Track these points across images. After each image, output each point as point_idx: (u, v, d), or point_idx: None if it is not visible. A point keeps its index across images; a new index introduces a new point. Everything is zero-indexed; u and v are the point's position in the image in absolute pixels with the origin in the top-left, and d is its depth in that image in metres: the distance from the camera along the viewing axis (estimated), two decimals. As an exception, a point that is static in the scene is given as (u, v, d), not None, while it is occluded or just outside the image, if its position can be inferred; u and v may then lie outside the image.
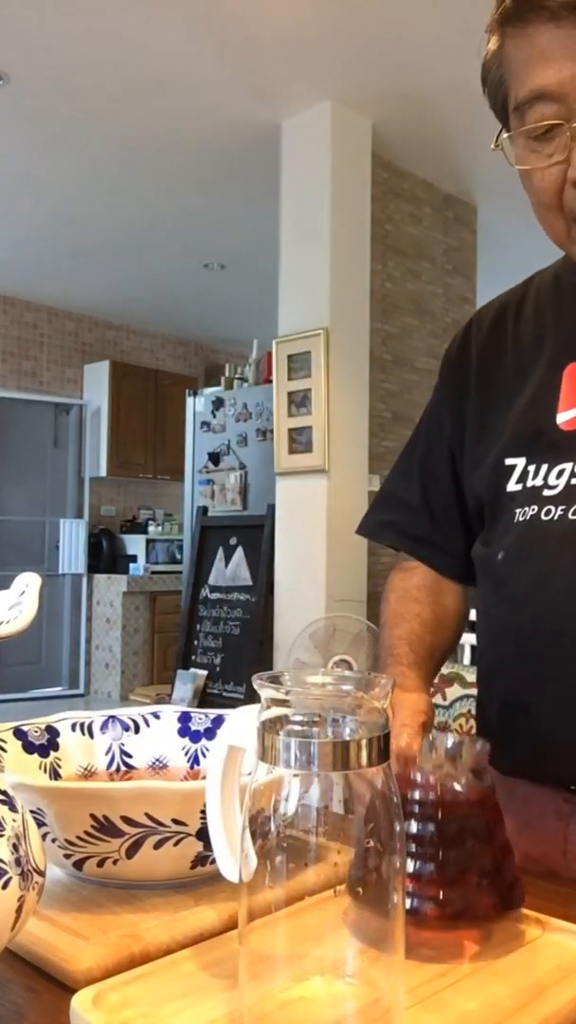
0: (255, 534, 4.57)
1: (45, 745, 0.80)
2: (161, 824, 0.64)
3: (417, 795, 0.65)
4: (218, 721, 0.86)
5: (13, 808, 0.53)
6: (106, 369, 7.09)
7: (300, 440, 3.94)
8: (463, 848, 0.63)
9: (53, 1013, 0.54)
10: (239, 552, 4.70)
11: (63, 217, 5.15)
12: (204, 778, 0.81)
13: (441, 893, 0.62)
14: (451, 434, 1.01)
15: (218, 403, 5.17)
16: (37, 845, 0.54)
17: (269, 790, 0.50)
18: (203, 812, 0.65)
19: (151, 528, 7.36)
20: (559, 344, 0.92)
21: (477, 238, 4.88)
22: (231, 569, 4.72)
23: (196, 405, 5.31)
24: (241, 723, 0.55)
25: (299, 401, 3.96)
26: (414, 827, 0.64)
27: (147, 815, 0.64)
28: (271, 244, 4.17)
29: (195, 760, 0.85)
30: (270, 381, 4.24)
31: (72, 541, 6.97)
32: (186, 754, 0.86)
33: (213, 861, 0.67)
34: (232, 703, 4.36)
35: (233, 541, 4.77)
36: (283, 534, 3.97)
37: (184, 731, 0.87)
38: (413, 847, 0.63)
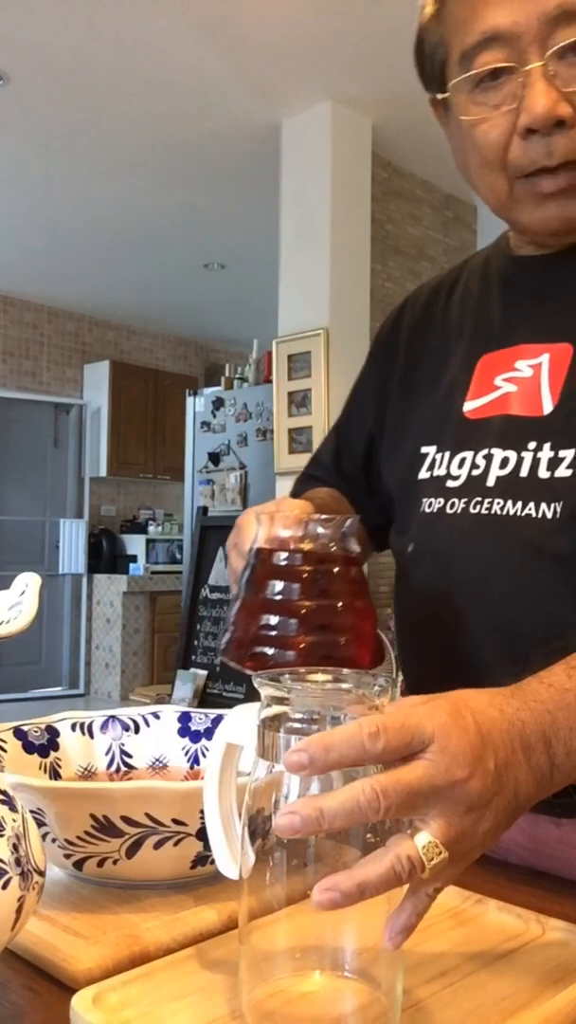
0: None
1: (45, 745, 0.80)
2: (161, 824, 0.64)
3: (283, 556, 0.68)
4: (218, 721, 0.86)
5: (13, 808, 0.53)
6: (106, 369, 7.09)
7: (300, 440, 3.95)
8: (326, 603, 0.67)
9: (53, 1013, 0.54)
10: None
11: (63, 217, 5.15)
12: (204, 778, 0.81)
13: (303, 642, 0.65)
14: (374, 414, 1.01)
15: (218, 403, 5.17)
16: (37, 845, 0.54)
17: (269, 788, 0.50)
18: (203, 812, 0.65)
19: (151, 528, 7.36)
20: (478, 333, 0.91)
21: (477, 238, 4.88)
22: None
23: (196, 405, 5.31)
24: (239, 721, 0.55)
25: (299, 401, 3.96)
26: (279, 586, 0.67)
27: (147, 815, 0.64)
28: (271, 244, 4.17)
29: (195, 760, 0.85)
30: (270, 381, 4.24)
31: (72, 541, 6.97)
32: (186, 754, 0.86)
33: (213, 861, 0.67)
34: (232, 703, 4.35)
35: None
36: (283, 534, 3.96)
37: (184, 731, 0.87)
38: (277, 603, 0.67)
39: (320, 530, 0.69)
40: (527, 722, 0.54)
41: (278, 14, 3.22)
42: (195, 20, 3.24)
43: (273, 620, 0.66)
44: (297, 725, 0.48)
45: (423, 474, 0.89)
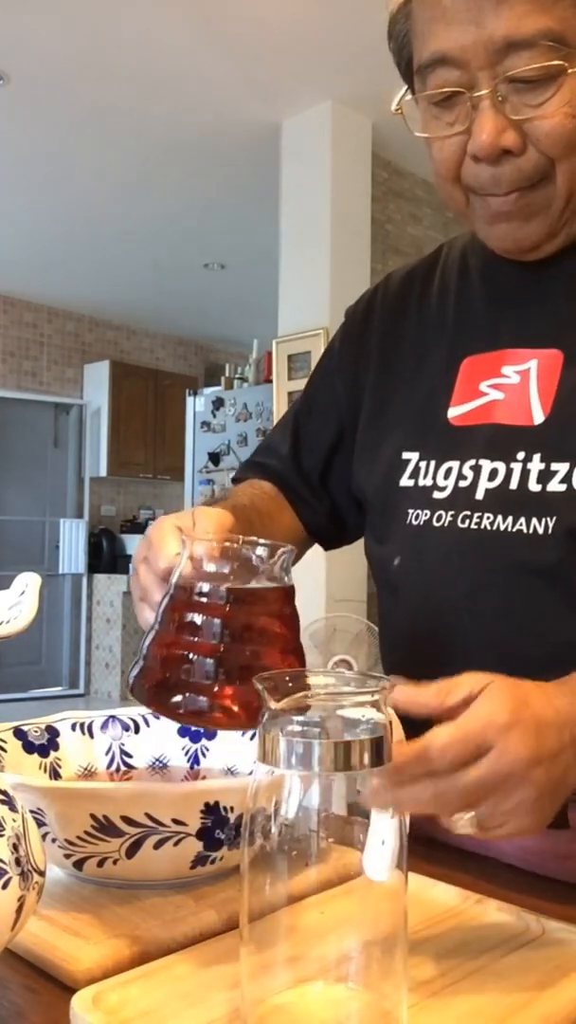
0: (255, 534, 4.55)
1: (45, 745, 0.80)
2: (161, 824, 0.64)
3: (208, 590, 0.61)
4: (218, 721, 0.86)
5: (13, 808, 0.53)
6: (106, 369, 7.09)
7: (300, 440, 3.94)
8: (250, 648, 0.61)
9: (53, 1013, 0.54)
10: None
11: (63, 217, 5.15)
12: (204, 778, 0.82)
13: (220, 690, 0.59)
14: (345, 407, 0.98)
15: (218, 403, 5.17)
16: (37, 845, 0.54)
17: (270, 791, 0.50)
18: (203, 812, 0.65)
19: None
20: (459, 333, 0.88)
21: (477, 238, 4.87)
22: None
23: (196, 405, 5.31)
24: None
25: (299, 401, 3.96)
26: (199, 624, 0.61)
27: (147, 815, 0.64)
28: (271, 244, 4.17)
29: (195, 760, 0.85)
30: (270, 381, 4.24)
31: (72, 541, 6.97)
32: (186, 754, 0.86)
33: (213, 861, 0.67)
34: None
35: (233, 541, 4.76)
36: (283, 534, 3.96)
37: (184, 731, 0.87)
38: (196, 644, 0.60)
39: (254, 561, 0.63)
40: None
41: (278, 14, 3.22)
42: (195, 20, 3.24)
43: (189, 662, 0.60)
44: (297, 728, 0.48)
45: (405, 481, 0.86)
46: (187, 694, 0.59)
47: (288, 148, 4.02)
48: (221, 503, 0.88)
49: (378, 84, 3.70)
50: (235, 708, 0.59)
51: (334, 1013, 0.51)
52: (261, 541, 0.64)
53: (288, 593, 0.64)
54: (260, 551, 0.64)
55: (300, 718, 0.48)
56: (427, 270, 0.96)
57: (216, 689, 0.59)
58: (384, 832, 0.52)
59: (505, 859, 0.81)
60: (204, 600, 0.61)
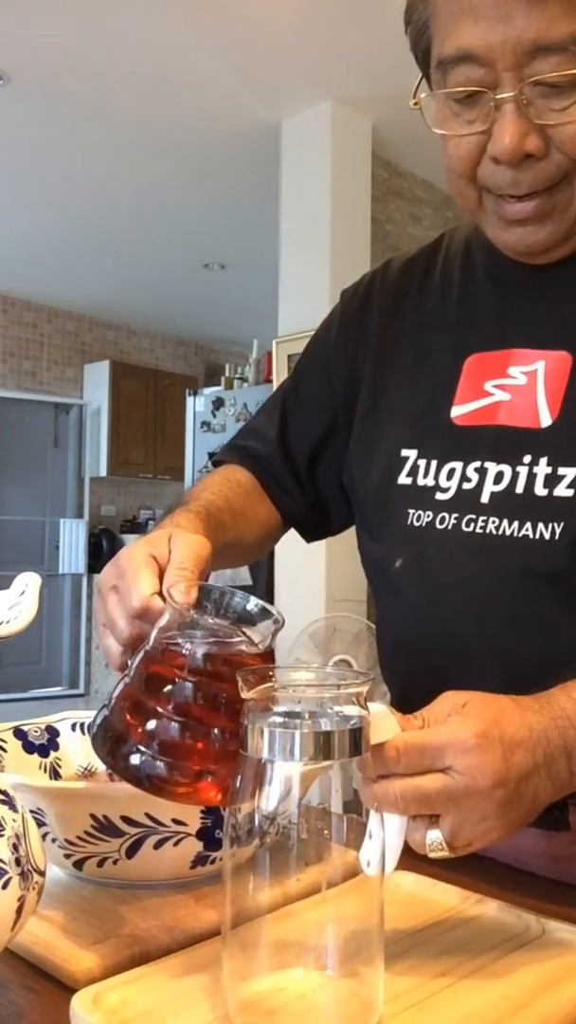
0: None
1: (45, 745, 0.80)
2: (161, 824, 0.64)
3: (186, 651, 0.59)
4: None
5: (13, 808, 0.53)
6: (106, 369, 7.08)
7: (300, 440, 3.94)
8: (216, 712, 0.58)
9: (53, 1013, 0.54)
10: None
11: (63, 217, 5.15)
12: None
13: (180, 760, 0.57)
14: (340, 395, 0.95)
15: (218, 403, 5.17)
16: (37, 845, 0.54)
17: (253, 783, 0.50)
18: (203, 812, 0.65)
19: (151, 528, 7.36)
20: (463, 330, 0.86)
21: (477, 238, 4.87)
22: (231, 569, 4.72)
23: (196, 405, 5.31)
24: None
25: (299, 401, 3.96)
26: (177, 696, 0.58)
27: (147, 815, 0.64)
28: (271, 244, 4.16)
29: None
30: (270, 381, 4.25)
31: (72, 541, 6.97)
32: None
33: (213, 861, 0.67)
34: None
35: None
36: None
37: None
38: (159, 706, 0.58)
39: (241, 645, 0.60)
40: (552, 739, 0.59)
41: (279, 14, 3.22)
42: (195, 20, 3.24)
43: (157, 726, 0.58)
44: (280, 720, 0.50)
45: (403, 479, 0.85)
46: (147, 759, 0.57)
47: (288, 148, 4.02)
48: (195, 506, 0.87)
49: (378, 84, 3.70)
50: (199, 783, 0.57)
51: (314, 1003, 0.51)
52: (251, 605, 0.64)
53: (262, 658, 0.61)
54: (239, 600, 0.64)
55: (282, 709, 0.50)
56: (427, 260, 0.94)
57: (181, 762, 0.57)
58: (372, 825, 0.53)
59: (505, 860, 0.81)
60: (186, 675, 0.58)
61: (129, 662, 0.64)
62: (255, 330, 5.64)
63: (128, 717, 0.60)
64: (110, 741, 0.60)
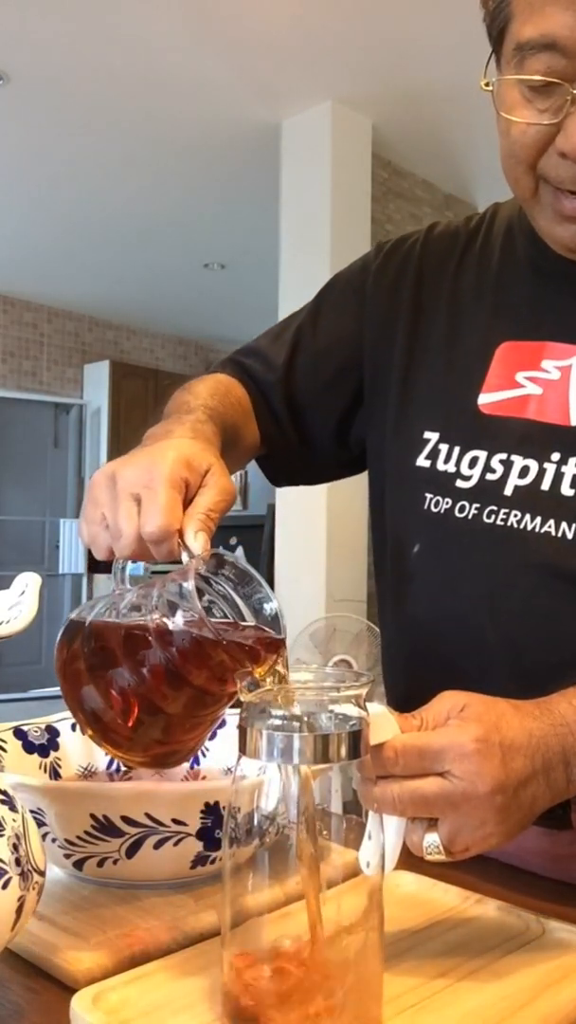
0: (255, 534, 4.56)
1: (45, 745, 0.80)
2: (161, 824, 0.64)
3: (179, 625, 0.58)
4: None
5: (13, 808, 0.53)
6: (106, 369, 7.08)
7: (300, 440, 3.94)
8: (176, 690, 0.58)
9: (53, 1013, 0.54)
10: (239, 552, 4.70)
11: (63, 217, 5.14)
12: (204, 778, 0.82)
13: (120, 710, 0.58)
14: (369, 356, 0.92)
15: (218, 403, 5.17)
16: (37, 845, 0.54)
17: (252, 784, 0.50)
18: (203, 812, 0.65)
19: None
20: (498, 314, 0.85)
21: (477, 238, 4.87)
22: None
23: (196, 405, 5.31)
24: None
25: (299, 401, 3.96)
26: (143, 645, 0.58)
27: (147, 815, 0.64)
28: (271, 244, 4.16)
29: (195, 760, 0.85)
30: (270, 381, 4.24)
31: (72, 541, 6.97)
32: (186, 754, 0.86)
33: (213, 861, 0.67)
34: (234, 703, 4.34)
35: (233, 541, 4.77)
36: (283, 534, 3.97)
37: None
38: (127, 658, 0.58)
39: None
40: (551, 745, 0.59)
41: (279, 14, 3.22)
42: (195, 20, 3.24)
43: (115, 677, 0.58)
44: (278, 722, 0.49)
45: (422, 461, 0.83)
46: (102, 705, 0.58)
47: (288, 148, 4.01)
48: (215, 422, 0.82)
49: (378, 84, 3.70)
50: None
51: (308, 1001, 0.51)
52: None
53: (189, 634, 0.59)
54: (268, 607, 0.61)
55: (280, 712, 0.50)
56: (469, 235, 0.91)
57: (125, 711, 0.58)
58: (371, 826, 0.53)
59: (505, 859, 0.81)
60: (163, 635, 0.58)
61: (119, 577, 0.64)
62: (255, 330, 5.59)
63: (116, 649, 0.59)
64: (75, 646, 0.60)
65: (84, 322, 7.22)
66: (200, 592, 0.60)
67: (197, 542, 0.62)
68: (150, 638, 0.58)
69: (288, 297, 4.03)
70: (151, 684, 0.58)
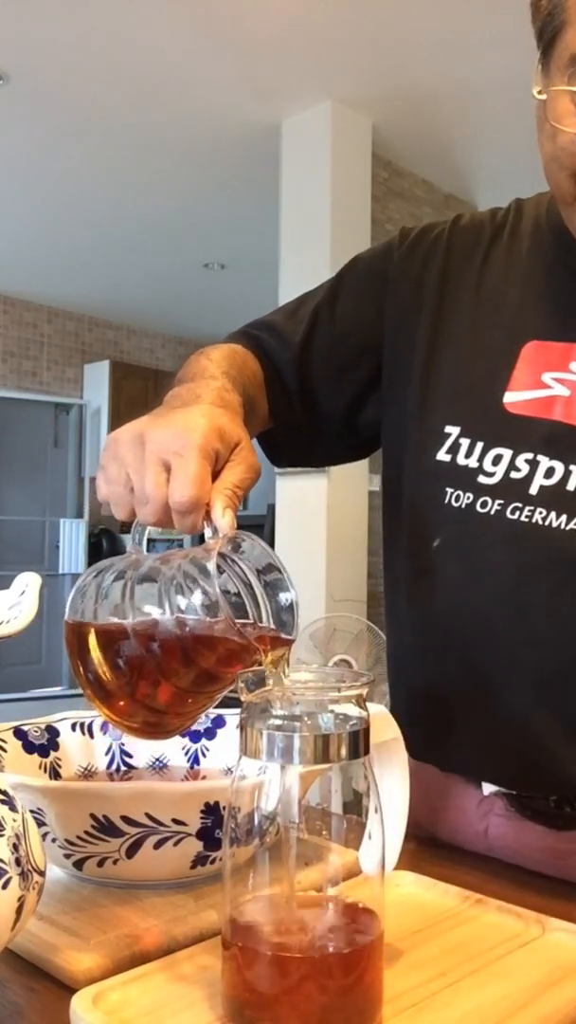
0: (255, 534, 4.56)
1: (45, 745, 0.80)
2: (161, 824, 0.64)
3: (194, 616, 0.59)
4: (218, 721, 0.86)
5: (13, 808, 0.53)
6: (106, 369, 7.08)
7: (300, 440, 3.94)
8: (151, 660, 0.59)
9: (53, 1013, 0.54)
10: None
11: (63, 217, 5.14)
12: (204, 778, 0.82)
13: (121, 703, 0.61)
14: (390, 345, 0.91)
15: (218, 403, 5.16)
16: (37, 845, 0.54)
17: (252, 784, 0.50)
18: (203, 812, 0.65)
19: (151, 528, 7.35)
20: (524, 312, 0.84)
21: (477, 238, 4.87)
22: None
23: (196, 405, 5.30)
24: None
25: (299, 401, 3.96)
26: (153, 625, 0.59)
27: (147, 815, 0.64)
28: (271, 244, 4.16)
29: (195, 760, 0.85)
30: (270, 381, 4.24)
31: (72, 541, 6.96)
32: (186, 754, 0.86)
33: (213, 861, 0.67)
34: (232, 703, 4.34)
35: (233, 541, 4.76)
36: (283, 534, 3.97)
37: (184, 731, 0.87)
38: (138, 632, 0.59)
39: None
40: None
41: (278, 14, 3.22)
42: (195, 20, 3.24)
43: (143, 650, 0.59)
44: (278, 722, 0.49)
45: (442, 455, 0.83)
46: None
47: (288, 148, 4.02)
48: (238, 392, 0.80)
49: (378, 84, 3.70)
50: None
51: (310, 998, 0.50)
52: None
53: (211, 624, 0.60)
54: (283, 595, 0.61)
55: (280, 712, 0.50)
56: (495, 230, 0.91)
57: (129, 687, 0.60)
58: (371, 826, 0.52)
59: (505, 859, 0.81)
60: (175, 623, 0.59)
61: (136, 540, 0.66)
62: (255, 330, 5.63)
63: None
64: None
65: (84, 322, 7.22)
66: (219, 570, 0.59)
67: (224, 519, 0.61)
68: (165, 616, 0.59)
69: (288, 297, 4.00)
70: (161, 659, 0.59)
